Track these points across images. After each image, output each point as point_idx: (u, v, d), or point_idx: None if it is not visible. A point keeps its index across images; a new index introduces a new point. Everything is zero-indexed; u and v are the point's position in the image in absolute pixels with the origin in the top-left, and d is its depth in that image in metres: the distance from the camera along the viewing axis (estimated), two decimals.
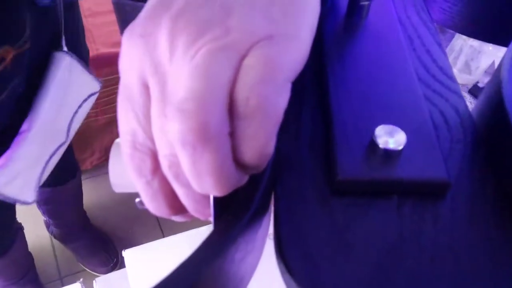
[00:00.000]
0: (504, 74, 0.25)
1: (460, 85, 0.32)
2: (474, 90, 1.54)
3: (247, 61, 0.19)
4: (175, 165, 0.21)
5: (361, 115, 0.26)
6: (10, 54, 0.52)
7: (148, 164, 0.22)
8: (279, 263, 0.22)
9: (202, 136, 0.18)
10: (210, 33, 0.19)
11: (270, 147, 0.20)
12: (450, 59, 1.64)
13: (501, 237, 0.22)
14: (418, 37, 0.33)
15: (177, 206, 0.23)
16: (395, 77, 0.29)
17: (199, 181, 0.19)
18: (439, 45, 0.32)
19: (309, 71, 0.31)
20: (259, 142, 0.19)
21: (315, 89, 0.30)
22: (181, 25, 0.19)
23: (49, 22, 0.69)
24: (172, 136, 0.18)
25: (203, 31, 0.19)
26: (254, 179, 0.22)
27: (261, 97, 0.18)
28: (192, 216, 0.25)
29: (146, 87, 0.21)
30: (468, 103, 0.29)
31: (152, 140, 0.22)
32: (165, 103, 0.20)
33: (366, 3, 0.33)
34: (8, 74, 0.54)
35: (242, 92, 0.18)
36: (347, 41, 0.32)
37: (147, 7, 0.21)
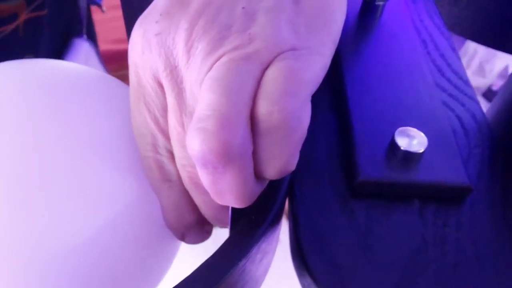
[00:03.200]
0: None
1: (474, 88, 0.31)
2: (488, 94, 1.48)
3: (270, 73, 0.17)
4: (195, 175, 0.20)
5: (380, 117, 0.26)
6: (23, 12, 0.49)
7: (171, 167, 0.21)
8: (298, 267, 0.22)
9: (223, 156, 0.16)
10: (231, 40, 0.18)
11: (292, 164, 0.18)
12: (464, 61, 1.55)
13: None
14: (432, 41, 0.33)
15: (198, 213, 0.22)
16: (412, 79, 0.28)
17: (220, 197, 0.18)
18: (453, 49, 0.32)
19: None
20: (282, 160, 0.18)
21: (329, 89, 0.30)
22: (200, 29, 0.18)
23: (68, 1, 0.66)
24: (191, 154, 0.17)
25: (224, 37, 0.18)
26: (275, 181, 0.21)
27: (285, 111, 0.17)
28: (207, 235, 0.24)
29: (162, 87, 0.20)
30: (482, 107, 0.29)
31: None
32: (182, 111, 0.19)
33: (381, 3, 0.32)
34: (19, 41, 0.50)
35: (264, 106, 0.17)
36: (361, 41, 0.31)
37: (162, 2, 0.20)
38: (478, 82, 1.51)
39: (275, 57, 0.18)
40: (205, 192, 0.20)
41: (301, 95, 0.17)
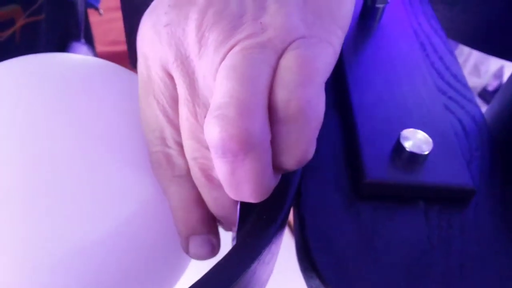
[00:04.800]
0: None
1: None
2: (484, 94, 1.50)
3: (285, 62, 0.17)
4: (208, 168, 0.20)
5: (384, 119, 0.26)
6: (20, 17, 0.47)
7: (180, 161, 0.21)
8: (305, 269, 0.22)
9: (244, 143, 0.16)
10: (243, 29, 0.18)
11: (311, 152, 0.18)
12: (460, 61, 1.56)
13: None
14: (430, 44, 0.33)
15: (205, 212, 0.22)
16: (413, 82, 0.29)
17: (236, 189, 0.18)
18: (451, 53, 0.33)
19: None
20: (301, 148, 0.18)
21: (332, 90, 0.30)
22: (210, 19, 0.18)
23: (66, 5, 0.65)
24: (210, 143, 0.17)
25: (236, 26, 0.18)
26: (286, 179, 0.21)
27: (303, 100, 0.17)
28: (213, 250, 0.23)
29: (171, 78, 0.20)
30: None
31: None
32: (195, 102, 0.19)
33: (381, 5, 0.32)
34: (16, 47, 0.49)
35: (282, 96, 0.17)
36: (362, 43, 0.31)
37: None
38: (473, 82, 1.52)
39: (288, 45, 0.18)
40: (216, 187, 0.20)
41: (316, 83, 0.17)
